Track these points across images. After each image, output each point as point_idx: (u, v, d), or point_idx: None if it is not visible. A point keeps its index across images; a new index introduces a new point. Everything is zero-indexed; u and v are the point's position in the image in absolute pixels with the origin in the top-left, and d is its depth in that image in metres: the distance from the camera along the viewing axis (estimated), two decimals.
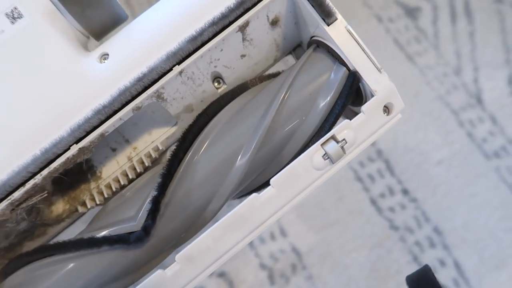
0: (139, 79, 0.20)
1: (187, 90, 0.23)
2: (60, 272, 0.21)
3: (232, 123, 0.22)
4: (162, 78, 0.21)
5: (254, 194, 0.20)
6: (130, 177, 0.24)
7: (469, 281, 0.53)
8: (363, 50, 0.22)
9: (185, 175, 0.22)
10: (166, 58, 0.21)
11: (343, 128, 0.21)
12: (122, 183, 0.24)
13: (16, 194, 0.20)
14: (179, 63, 0.21)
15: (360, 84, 0.22)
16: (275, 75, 0.25)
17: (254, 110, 0.22)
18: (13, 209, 0.20)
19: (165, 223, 0.21)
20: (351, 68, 0.22)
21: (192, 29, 0.21)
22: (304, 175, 0.21)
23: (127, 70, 0.21)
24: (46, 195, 0.21)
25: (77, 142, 0.20)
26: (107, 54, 0.21)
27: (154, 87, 0.21)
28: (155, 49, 0.21)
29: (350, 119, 0.21)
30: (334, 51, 0.22)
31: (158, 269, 0.20)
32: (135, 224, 0.21)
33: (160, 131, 0.25)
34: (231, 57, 0.23)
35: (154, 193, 0.21)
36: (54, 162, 0.20)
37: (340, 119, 0.23)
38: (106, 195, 0.23)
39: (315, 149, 0.21)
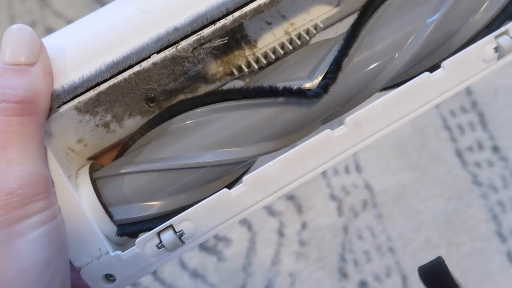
0: None
1: None
2: (232, 117, 0.22)
3: (411, 2, 0.23)
4: None
5: (426, 73, 0.21)
6: (289, 49, 0.24)
7: None
8: None
9: (363, 44, 0.22)
10: None
11: None
12: (280, 53, 0.24)
13: (206, 31, 0.20)
14: None
15: None
16: None
17: None
18: (195, 48, 0.20)
19: (336, 87, 0.22)
20: None
21: None
22: (473, 64, 0.22)
23: None
24: (226, 41, 0.21)
25: None
26: None
27: None
28: None
29: None
30: None
31: (326, 128, 0.21)
32: (311, 82, 0.22)
33: (320, 10, 0.25)
34: None
35: (335, 54, 0.22)
36: (247, 6, 0.20)
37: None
38: (263, 63, 0.24)
39: (489, 39, 0.22)
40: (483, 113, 0.53)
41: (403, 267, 0.49)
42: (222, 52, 0.24)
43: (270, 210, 0.52)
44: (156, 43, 0.20)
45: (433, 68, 0.22)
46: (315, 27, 0.25)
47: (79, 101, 0.20)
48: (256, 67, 0.24)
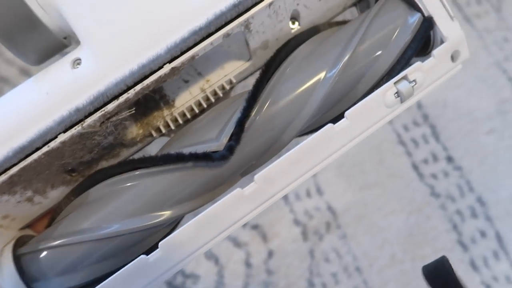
0: (235, 5, 0.21)
1: (269, 25, 0.24)
2: (144, 185, 0.22)
3: (311, 58, 0.24)
4: (254, 7, 0.22)
5: (329, 125, 0.22)
6: (204, 106, 0.25)
7: (510, 254, 0.51)
8: None
9: (266, 102, 0.23)
10: None
11: (415, 69, 0.23)
12: (196, 111, 0.25)
13: (110, 107, 0.21)
14: None
15: (432, 30, 0.23)
16: (343, 22, 0.27)
17: (332, 47, 0.24)
18: (103, 122, 0.21)
19: (242, 147, 0.22)
20: (425, 13, 0.23)
21: None
22: (375, 111, 0.22)
23: None
24: (133, 111, 0.22)
25: (170, 61, 0.21)
26: None
27: (246, 15, 0.22)
28: None
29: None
30: None
31: (236, 188, 0.21)
32: (218, 144, 0.22)
33: (234, 66, 0.26)
34: None
35: (239, 115, 0.22)
36: (147, 79, 0.21)
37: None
38: (181, 122, 0.25)
39: (389, 86, 0.22)
40: (435, 125, 0.55)
41: (370, 286, 0.50)
42: (141, 114, 0.24)
43: (235, 242, 0.52)
44: (60, 124, 0.20)
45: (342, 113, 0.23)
46: (230, 82, 0.25)
47: None
48: (173, 127, 0.25)
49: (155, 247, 0.21)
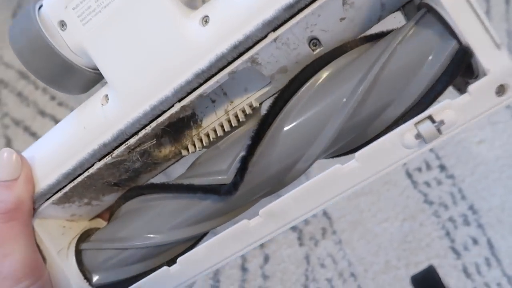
0: (235, 47, 0.21)
1: (281, 54, 0.23)
2: (162, 207, 0.26)
3: (324, 91, 0.22)
4: (257, 45, 0.21)
5: (337, 166, 0.21)
6: (226, 129, 0.25)
7: (502, 262, 0.52)
8: (481, 20, 0.18)
9: (273, 139, 0.22)
10: (262, 26, 0.21)
11: (442, 108, 0.19)
12: (218, 134, 0.25)
13: (132, 141, 0.24)
14: (274, 29, 0.21)
15: (472, 59, 0.19)
16: (379, 36, 0.23)
17: (350, 78, 0.21)
18: (129, 152, 0.24)
19: (251, 180, 0.23)
20: (462, 41, 0.19)
21: None
22: (391, 152, 0.20)
23: (225, 37, 0.21)
24: (154, 142, 0.25)
25: (179, 100, 0.23)
26: (208, 17, 0.22)
27: (249, 53, 0.21)
28: (252, 16, 0.21)
29: (460, 89, 0.20)
30: (444, 19, 0.19)
31: (243, 219, 0.23)
32: (226, 178, 0.23)
33: (255, 88, 0.25)
34: (329, 21, 0.22)
35: (242, 153, 0.22)
36: (161, 117, 0.23)
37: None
38: (204, 144, 0.26)
39: (407, 127, 0.19)
40: None
41: None
42: (174, 132, 0.26)
43: None
44: (93, 156, 0.25)
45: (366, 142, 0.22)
46: (250, 105, 0.25)
47: (53, 200, 0.26)
48: (197, 148, 0.26)
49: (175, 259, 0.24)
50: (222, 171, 0.23)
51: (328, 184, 0.21)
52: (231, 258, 0.23)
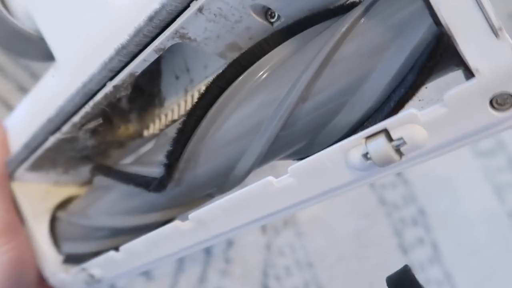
0: (151, 18, 0.18)
1: (220, 28, 0.18)
2: (117, 190, 0.26)
3: (267, 82, 0.17)
4: (180, 17, 0.18)
5: (270, 177, 0.17)
6: (181, 112, 0.23)
7: (443, 262, 0.57)
8: None
9: (204, 136, 0.19)
10: None
11: (405, 120, 0.13)
12: (173, 116, 0.24)
13: (75, 118, 0.24)
14: None
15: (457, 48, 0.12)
16: (347, 8, 0.17)
17: (296, 66, 0.16)
18: (78, 129, 0.24)
19: (186, 178, 0.20)
20: (443, 23, 0.12)
21: None
22: (333, 172, 0.15)
23: (143, 6, 0.18)
24: (101, 121, 0.24)
25: (110, 79, 0.21)
26: None
27: (173, 26, 0.18)
28: None
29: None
30: None
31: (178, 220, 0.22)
32: (157, 172, 0.21)
33: (214, 67, 0.22)
34: None
35: (169, 148, 0.19)
36: (96, 96, 0.22)
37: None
38: (161, 126, 0.25)
39: (354, 142, 0.14)
40: None
41: (319, 280, 0.54)
42: (141, 109, 0.26)
43: None
44: (43, 130, 0.25)
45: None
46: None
47: (25, 166, 0.27)
48: (159, 128, 0.25)
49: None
50: (156, 162, 0.21)
51: (259, 198, 0.17)
52: (165, 260, 0.23)
